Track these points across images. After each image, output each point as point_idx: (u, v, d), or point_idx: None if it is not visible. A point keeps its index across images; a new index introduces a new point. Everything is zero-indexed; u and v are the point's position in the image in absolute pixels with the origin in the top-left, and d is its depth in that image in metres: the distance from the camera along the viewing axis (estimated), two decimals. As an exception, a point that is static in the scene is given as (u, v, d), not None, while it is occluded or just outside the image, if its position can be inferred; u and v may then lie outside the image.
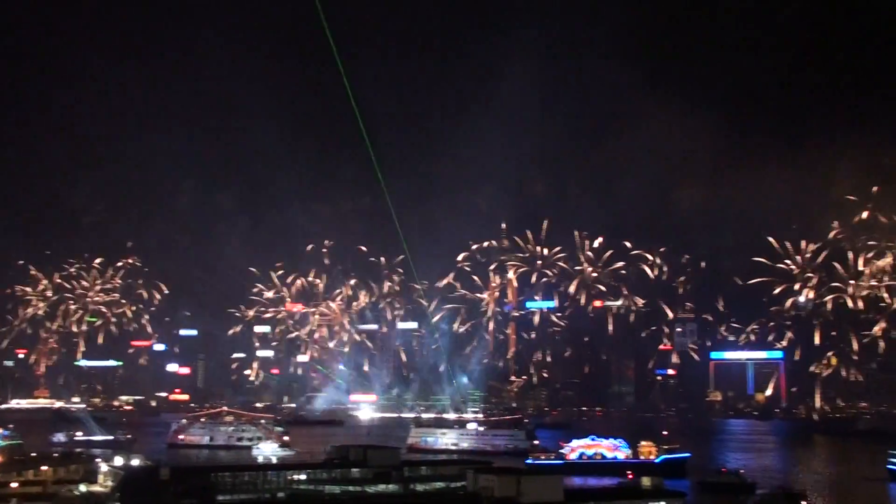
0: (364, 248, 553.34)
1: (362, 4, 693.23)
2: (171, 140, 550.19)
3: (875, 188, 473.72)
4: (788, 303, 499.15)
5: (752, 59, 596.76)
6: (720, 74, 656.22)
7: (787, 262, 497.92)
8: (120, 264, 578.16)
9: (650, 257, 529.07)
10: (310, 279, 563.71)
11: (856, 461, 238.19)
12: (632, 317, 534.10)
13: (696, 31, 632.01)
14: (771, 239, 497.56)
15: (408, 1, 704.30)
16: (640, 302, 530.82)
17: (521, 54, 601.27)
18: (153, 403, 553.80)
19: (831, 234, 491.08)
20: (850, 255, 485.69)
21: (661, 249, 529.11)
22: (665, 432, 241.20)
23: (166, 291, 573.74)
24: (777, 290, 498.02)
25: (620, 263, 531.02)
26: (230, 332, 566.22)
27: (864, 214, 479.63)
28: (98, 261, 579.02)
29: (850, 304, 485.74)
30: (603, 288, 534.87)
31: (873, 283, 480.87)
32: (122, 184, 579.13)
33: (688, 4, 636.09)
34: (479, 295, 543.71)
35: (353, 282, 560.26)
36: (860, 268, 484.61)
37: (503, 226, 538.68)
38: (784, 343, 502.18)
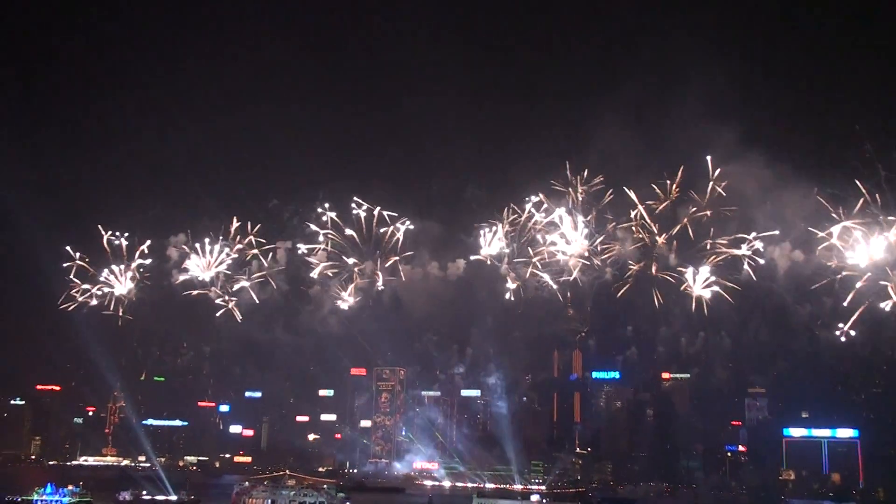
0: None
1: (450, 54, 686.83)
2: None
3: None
4: None
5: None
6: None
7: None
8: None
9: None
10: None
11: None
12: (701, 390, 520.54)
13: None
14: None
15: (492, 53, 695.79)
16: (711, 374, 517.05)
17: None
18: (217, 464, 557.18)
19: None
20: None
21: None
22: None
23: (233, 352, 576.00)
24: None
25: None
26: (294, 394, 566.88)
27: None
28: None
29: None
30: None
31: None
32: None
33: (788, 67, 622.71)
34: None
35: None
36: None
37: (568, 294, 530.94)
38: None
